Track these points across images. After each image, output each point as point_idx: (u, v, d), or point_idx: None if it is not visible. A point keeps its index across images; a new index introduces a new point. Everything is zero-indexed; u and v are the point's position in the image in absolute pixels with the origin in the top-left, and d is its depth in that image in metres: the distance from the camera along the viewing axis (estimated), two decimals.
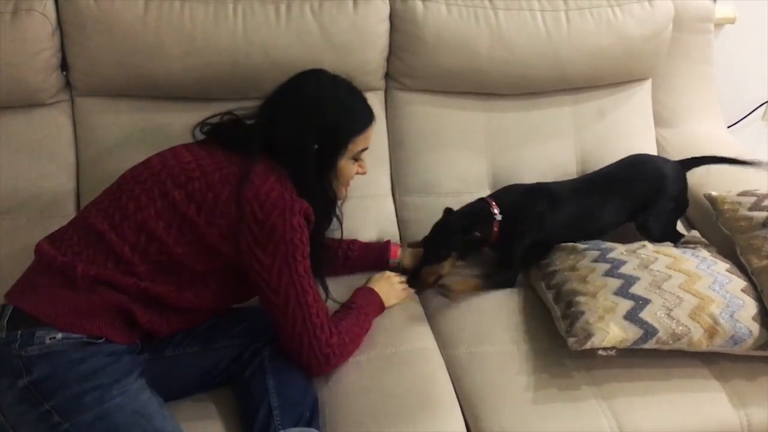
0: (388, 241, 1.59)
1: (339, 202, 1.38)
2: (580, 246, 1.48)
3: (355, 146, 1.28)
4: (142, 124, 1.61)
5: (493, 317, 1.46)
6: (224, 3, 1.55)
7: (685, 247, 1.50)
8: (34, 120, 1.57)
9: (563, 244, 1.52)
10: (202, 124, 1.33)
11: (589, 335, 1.25)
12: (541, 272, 1.49)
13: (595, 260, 1.41)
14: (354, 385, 1.28)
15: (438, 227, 1.53)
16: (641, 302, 1.29)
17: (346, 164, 1.30)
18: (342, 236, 1.43)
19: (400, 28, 1.68)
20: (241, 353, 1.26)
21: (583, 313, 1.29)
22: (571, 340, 1.27)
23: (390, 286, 1.47)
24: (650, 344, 1.27)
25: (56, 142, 1.59)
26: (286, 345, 1.23)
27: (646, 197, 1.59)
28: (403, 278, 1.50)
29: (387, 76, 1.75)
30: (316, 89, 1.27)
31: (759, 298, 1.34)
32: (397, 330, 1.40)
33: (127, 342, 1.16)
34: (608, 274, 1.36)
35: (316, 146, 1.23)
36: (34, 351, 1.07)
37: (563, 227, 1.55)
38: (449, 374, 1.34)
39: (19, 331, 1.08)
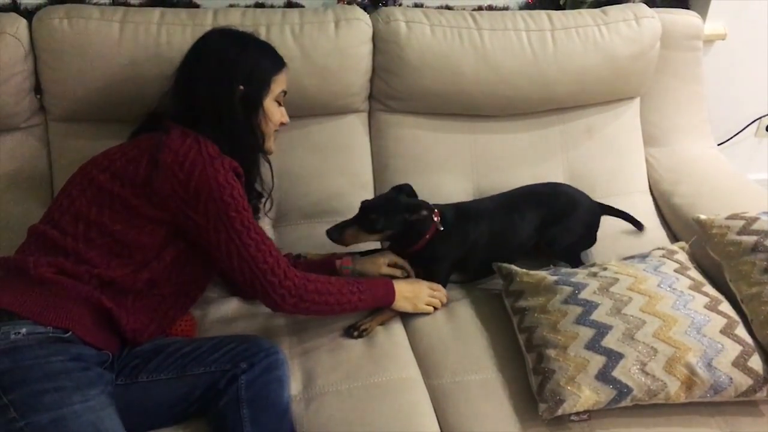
0: (333, 254, 1.54)
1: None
2: (550, 278, 1.41)
3: (276, 86, 1.36)
4: None
5: (477, 343, 1.42)
6: (202, 26, 1.52)
7: (662, 272, 1.41)
8: (7, 144, 1.55)
9: (532, 273, 1.45)
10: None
11: (560, 401, 1.21)
12: (510, 304, 1.43)
13: (566, 301, 1.34)
14: (335, 417, 1.24)
15: (385, 199, 1.51)
16: (614, 357, 1.23)
17: (270, 105, 1.36)
18: (273, 181, 1.46)
19: (384, 49, 1.65)
20: (216, 381, 1.23)
21: (554, 372, 1.24)
22: (542, 407, 1.22)
23: (414, 291, 1.46)
24: (625, 403, 1.22)
25: (30, 166, 1.57)
26: (243, 288, 1.27)
27: (557, 212, 1.59)
28: (439, 294, 1.49)
29: (371, 97, 1.74)
30: (228, 40, 1.35)
31: (740, 339, 1.28)
32: (380, 358, 1.36)
33: (97, 344, 1.15)
34: (580, 321, 1.30)
35: (241, 87, 1.30)
36: None
37: (486, 243, 1.55)
38: (433, 405, 1.30)
39: None
